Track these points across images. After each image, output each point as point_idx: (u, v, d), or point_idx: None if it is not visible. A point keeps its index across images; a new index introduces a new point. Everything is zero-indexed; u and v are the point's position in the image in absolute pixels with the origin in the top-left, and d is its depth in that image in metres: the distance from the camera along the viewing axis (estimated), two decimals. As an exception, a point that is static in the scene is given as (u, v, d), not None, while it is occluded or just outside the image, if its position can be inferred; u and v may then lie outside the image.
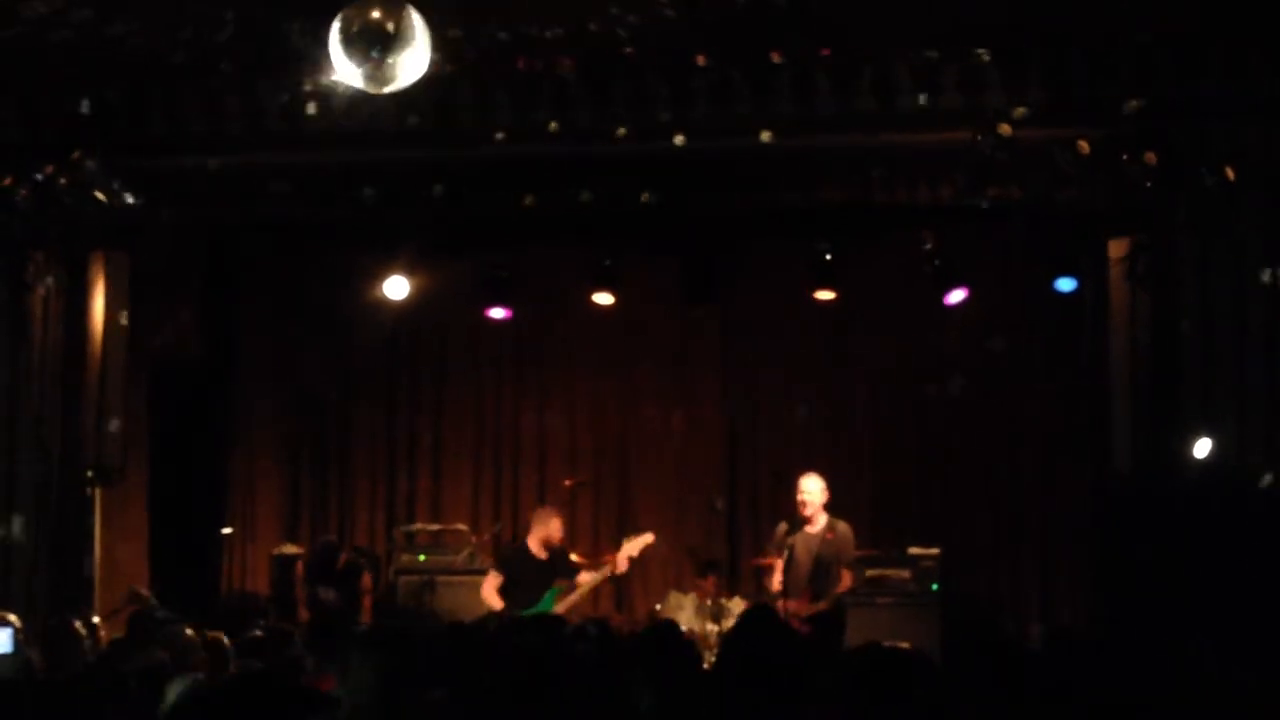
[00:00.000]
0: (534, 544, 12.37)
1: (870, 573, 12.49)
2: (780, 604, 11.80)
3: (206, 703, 5.30)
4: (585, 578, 12.36)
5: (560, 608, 11.86)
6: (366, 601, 13.08)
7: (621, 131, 10.30)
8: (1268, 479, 9.91)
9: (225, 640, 8.49)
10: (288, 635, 10.10)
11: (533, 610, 11.68)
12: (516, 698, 5.33)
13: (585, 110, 10.39)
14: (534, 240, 13.24)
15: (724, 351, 14.59)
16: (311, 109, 10.48)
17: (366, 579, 13.14)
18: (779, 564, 11.88)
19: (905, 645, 8.85)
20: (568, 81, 10.37)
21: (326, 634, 12.07)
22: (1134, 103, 9.94)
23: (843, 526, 11.96)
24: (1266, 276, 10.01)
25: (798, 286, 13.52)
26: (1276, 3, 9.65)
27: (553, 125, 10.42)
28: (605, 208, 11.51)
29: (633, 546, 12.34)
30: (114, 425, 11.90)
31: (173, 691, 6.31)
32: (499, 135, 10.50)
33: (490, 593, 12.20)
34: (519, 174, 11.28)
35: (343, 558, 13.19)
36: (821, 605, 11.72)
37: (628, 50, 10.12)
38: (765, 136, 10.24)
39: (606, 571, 12.33)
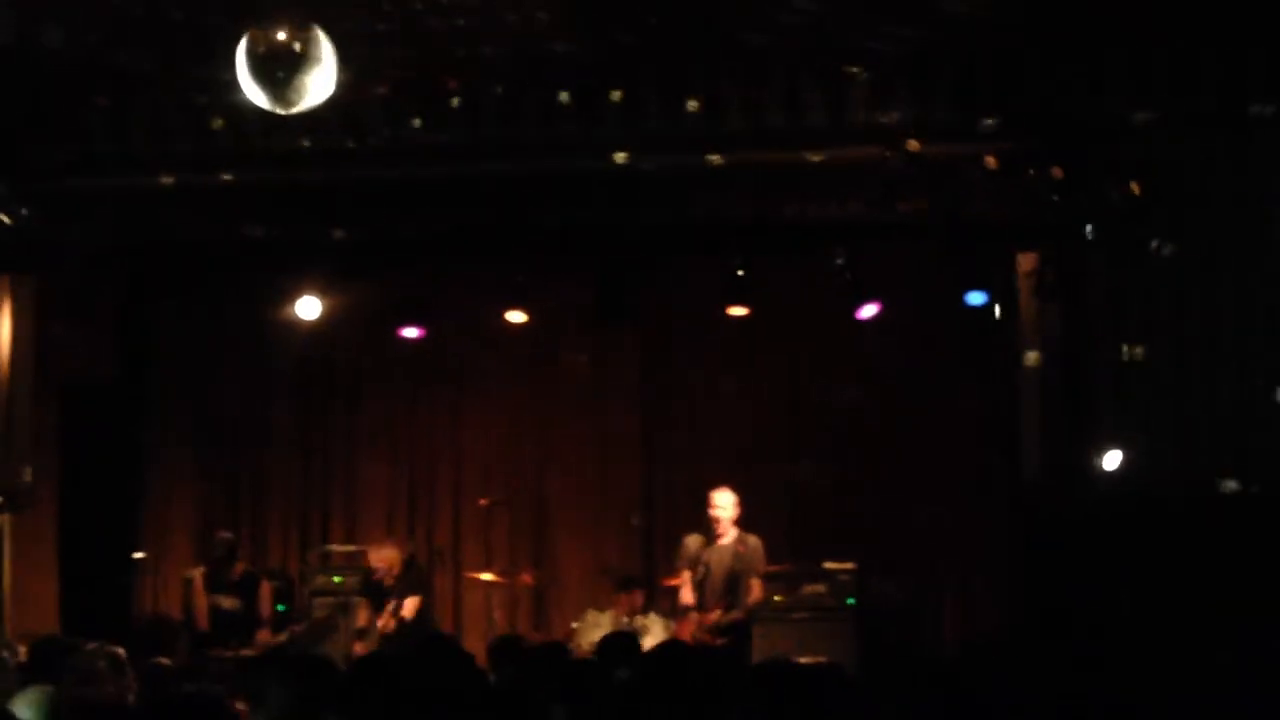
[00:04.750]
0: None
1: (782, 592, 12.49)
2: (694, 617, 12.06)
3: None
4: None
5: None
6: (265, 611, 13.03)
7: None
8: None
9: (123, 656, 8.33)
10: (201, 661, 10.04)
11: None
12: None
13: (495, 128, 10.38)
14: (446, 259, 13.19)
15: (639, 367, 14.58)
16: (219, 129, 10.41)
17: (265, 587, 13.11)
18: (687, 577, 12.17)
19: (820, 659, 8.94)
20: (477, 100, 10.35)
21: (229, 644, 12.18)
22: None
23: (753, 540, 12.34)
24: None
25: (711, 303, 13.54)
26: (1181, 18, 9.78)
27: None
28: (516, 226, 11.52)
29: (407, 608, 12.77)
30: (22, 450, 11.76)
31: (23, 704, 5.96)
32: (406, 156, 10.47)
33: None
34: (430, 193, 11.25)
35: (240, 567, 13.14)
36: (736, 615, 12.03)
37: (541, 71, 10.14)
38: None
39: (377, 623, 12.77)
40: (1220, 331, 10.34)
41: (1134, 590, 10.05)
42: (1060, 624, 10.56)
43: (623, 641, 7.90)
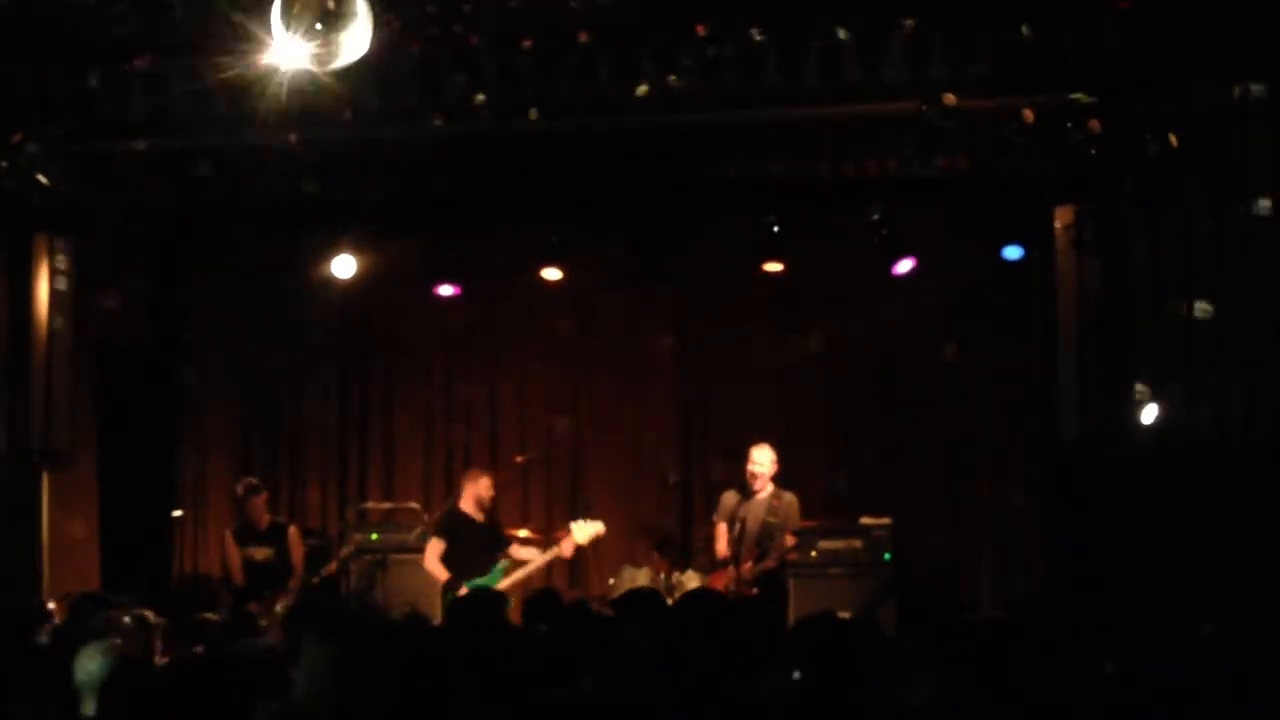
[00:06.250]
0: (468, 507, 12.59)
1: (819, 548, 12.49)
2: (730, 570, 12.12)
3: (148, 683, 5.25)
4: (527, 554, 12.59)
5: (505, 584, 12.00)
6: (297, 557, 13.09)
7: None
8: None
9: (152, 619, 8.37)
10: (246, 618, 10.08)
11: (480, 581, 11.82)
12: (469, 679, 5.33)
13: (530, 87, 10.34)
14: (482, 217, 13.18)
15: (675, 325, 14.55)
16: (255, 89, 10.39)
17: (294, 534, 13.18)
18: (723, 530, 12.39)
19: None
20: (512, 58, 10.32)
21: (263, 596, 12.21)
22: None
23: (789, 495, 12.51)
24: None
25: (747, 259, 13.49)
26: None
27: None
28: (553, 184, 11.50)
29: (582, 533, 12.42)
30: (60, 410, 11.83)
31: (89, 661, 6.01)
32: (441, 113, 10.45)
33: (434, 562, 12.35)
34: (465, 151, 11.23)
35: (266, 517, 13.18)
36: (768, 564, 12.22)
37: (574, 27, 10.10)
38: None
39: (552, 555, 12.46)
40: (1258, 286, 10.29)
41: (1172, 546, 10.02)
42: (1097, 581, 10.53)
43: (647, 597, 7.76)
